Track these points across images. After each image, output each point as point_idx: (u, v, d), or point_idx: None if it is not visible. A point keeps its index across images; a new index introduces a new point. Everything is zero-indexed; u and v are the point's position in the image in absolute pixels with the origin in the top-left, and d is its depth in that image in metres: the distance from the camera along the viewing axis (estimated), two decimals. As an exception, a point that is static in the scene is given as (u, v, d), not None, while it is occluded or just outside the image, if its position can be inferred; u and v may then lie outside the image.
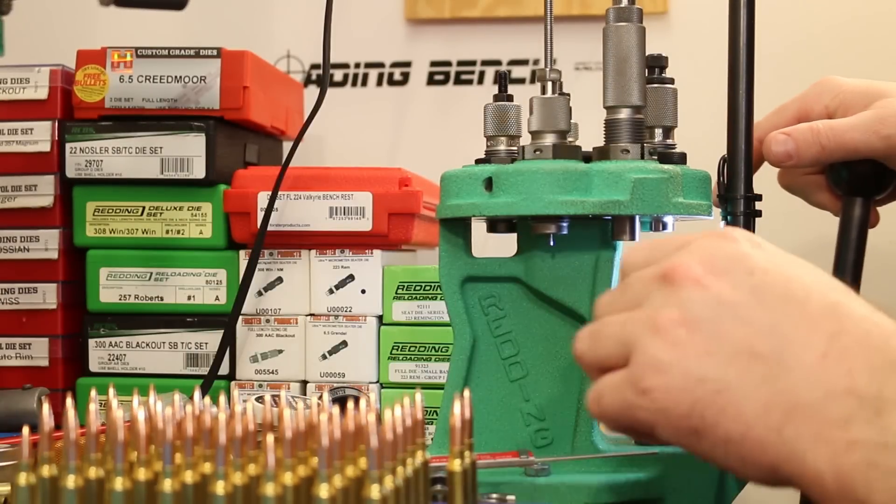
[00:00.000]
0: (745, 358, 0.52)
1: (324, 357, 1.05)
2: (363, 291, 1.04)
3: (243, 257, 1.06)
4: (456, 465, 0.58)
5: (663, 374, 0.54)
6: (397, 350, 1.03)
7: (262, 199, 1.05)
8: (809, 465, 0.50)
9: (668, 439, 0.55)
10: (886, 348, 0.50)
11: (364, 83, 1.45)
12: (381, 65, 1.45)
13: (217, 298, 1.07)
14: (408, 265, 1.07)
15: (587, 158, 0.76)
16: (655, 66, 0.81)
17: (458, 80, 1.44)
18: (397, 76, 1.45)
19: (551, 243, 0.76)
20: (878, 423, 0.48)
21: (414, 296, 1.03)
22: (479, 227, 0.82)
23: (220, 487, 0.50)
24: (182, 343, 1.07)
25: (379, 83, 1.45)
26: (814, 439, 0.50)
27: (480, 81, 1.43)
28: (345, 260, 1.05)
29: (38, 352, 1.07)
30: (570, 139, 0.78)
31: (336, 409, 0.54)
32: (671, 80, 0.81)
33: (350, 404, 0.56)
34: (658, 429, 0.55)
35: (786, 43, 1.38)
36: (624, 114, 0.74)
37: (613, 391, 0.56)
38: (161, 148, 1.06)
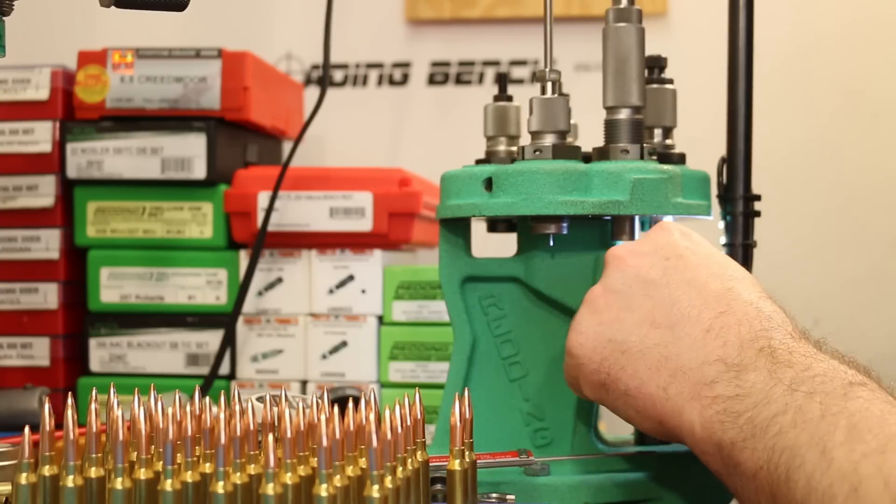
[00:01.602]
0: (646, 326, 0.65)
1: (324, 357, 1.05)
2: (363, 291, 1.04)
3: (244, 257, 1.06)
4: (456, 464, 0.59)
5: (581, 334, 0.68)
6: (397, 350, 1.03)
7: (263, 199, 1.05)
8: (685, 417, 0.62)
9: (586, 394, 0.69)
10: (756, 327, 0.61)
11: (364, 83, 1.45)
12: (381, 65, 1.45)
13: (217, 298, 1.07)
14: (408, 265, 1.08)
15: (587, 158, 0.76)
16: (655, 67, 0.81)
17: (458, 81, 1.44)
18: (397, 76, 1.45)
19: (551, 243, 0.76)
20: (735, 381, 0.60)
21: (414, 296, 1.03)
22: (479, 227, 0.83)
23: (220, 487, 0.50)
24: (183, 343, 1.07)
25: (379, 83, 1.45)
26: (689, 397, 0.62)
27: (480, 81, 1.43)
28: (345, 260, 1.05)
29: (39, 352, 1.07)
30: (569, 139, 0.78)
31: (336, 409, 0.54)
32: (670, 81, 0.81)
33: (350, 404, 0.56)
34: (580, 383, 0.69)
35: (785, 43, 1.38)
36: (623, 114, 0.74)
37: (567, 357, 0.69)
38: (162, 148, 1.06)
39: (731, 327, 0.62)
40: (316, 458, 0.52)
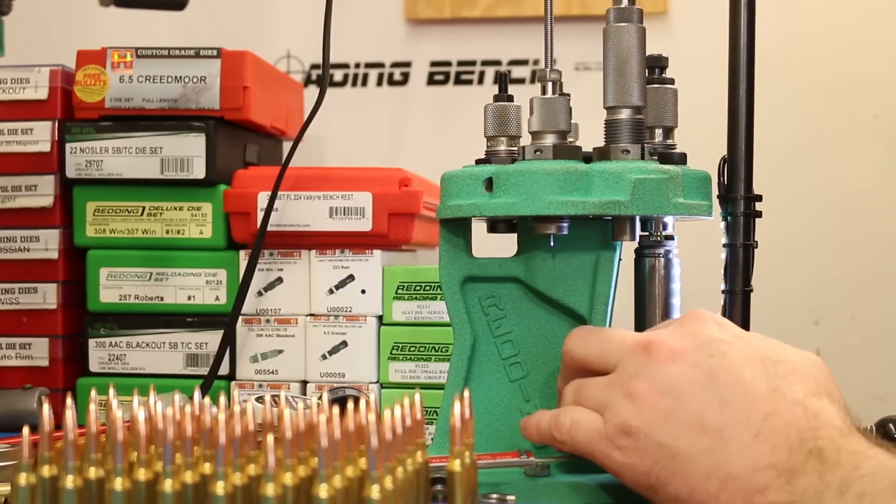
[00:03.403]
0: (695, 430, 0.63)
1: (324, 357, 1.05)
2: (363, 291, 1.04)
3: (243, 257, 1.06)
4: (456, 465, 0.59)
5: (631, 436, 0.65)
6: (397, 350, 1.03)
7: (262, 199, 1.05)
8: None
9: (629, 485, 0.67)
10: (803, 427, 0.61)
11: (364, 83, 1.45)
12: (381, 65, 1.45)
13: (217, 298, 1.07)
14: (408, 265, 1.07)
15: (587, 159, 0.76)
16: (655, 67, 0.81)
17: (458, 80, 1.44)
18: (397, 76, 1.45)
19: (551, 243, 0.76)
20: (786, 487, 0.60)
21: (414, 296, 1.03)
22: (479, 227, 0.82)
23: (220, 487, 0.50)
24: (182, 343, 1.07)
25: (379, 83, 1.45)
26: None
27: (480, 81, 1.43)
28: (345, 260, 1.05)
29: (38, 352, 1.07)
30: (570, 139, 0.78)
31: (336, 409, 0.54)
32: (671, 81, 0.81)
33: (350, 404, 0.56)
34: (621, 477, 0.67)
35: (786, 43, 1.38)
36: (624, 114, 0.74)
37: (588, 433, 0.68)
38: (161, 148, 1.06)
39: (779, 430, 0.61)
40: (316, 459, 0.52)
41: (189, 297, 1.07)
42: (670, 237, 0.78)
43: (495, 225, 0.81)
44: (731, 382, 0.64)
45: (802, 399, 0.63)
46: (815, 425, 0.61)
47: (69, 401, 0.52)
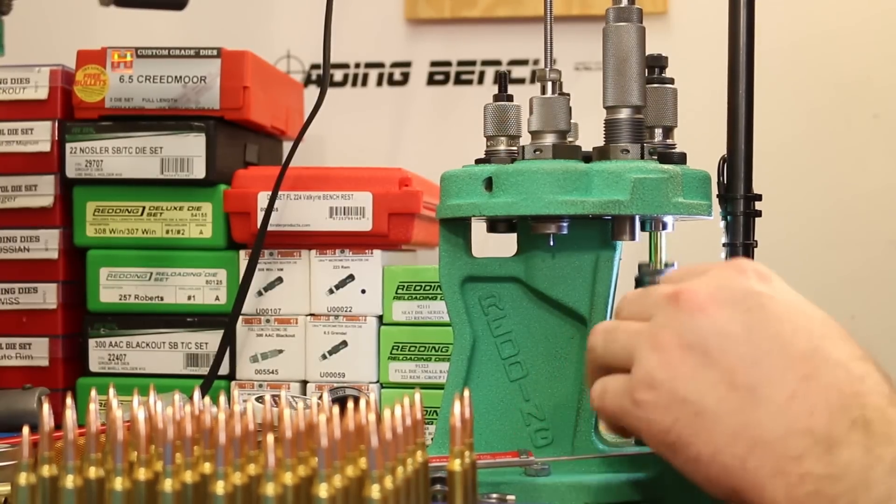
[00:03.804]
0: (724, 387, 0.58)
1: (324, 357, 1.05)
2: (363, 291, 1.04)
3: (243, 257, 1.06)
4: (456, 465, 0.58)
5: (654, 389, 0.60)
6: (397, 350, 1.03)
7: (262, 199, 1.05)
8: (767, 494, 0.55)
9: (650, 446, 0.61)
10: (847, 392, 0.55)
11: (364, 83, 1.45)
12: (381, 65, 1.45)
13: (217, 298, 1.07)
14: (408, 265, 1.07)
15: (587, 158, 0.76)
16: (655, 66, 0.81)
17: (458, 80, 1.44)
18: (397, 76, 1.45)
19: (551, 243, 0.76)
20: (826, 458, 0.54)
21: (414, 296, 1.03)
22: (479, 227, 0.82)
23: (220, 487, 0.50)
24: (182, 343, 1.07)
25: (379, 83, 1.45)
26: (772, 472, 0.55)
27: (480, 81, 1.43)
28: (345, 260, 1.05)
29: (38, 352, 1.07)
30: (570, 139, 0.78)
31: (336, 409, 0.54)
32: (671, 80, 0.81)
33: (350, 404, 0.56)
34: (643, 436, 0.61)
35: (786, 42, 1.38)
36: (624, 114, 0.74)
37: (614, 394, 0.62)
38: (161, 148, 1.06)
39: (818, 393, 0.56)
40: (316, 459, 0.52)
41: (189, 297, 1.07)
42: (670, 264, 0.78)
43: (495, 225, 0.81)
44: (768, 338, 0.58)
45: (847, 361, 0.57)
46: (859, 391, 0.55)
47: (69, 401, 0.52)
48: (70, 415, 0.51)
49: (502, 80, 0.83)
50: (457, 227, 0.79)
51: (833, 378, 0.56)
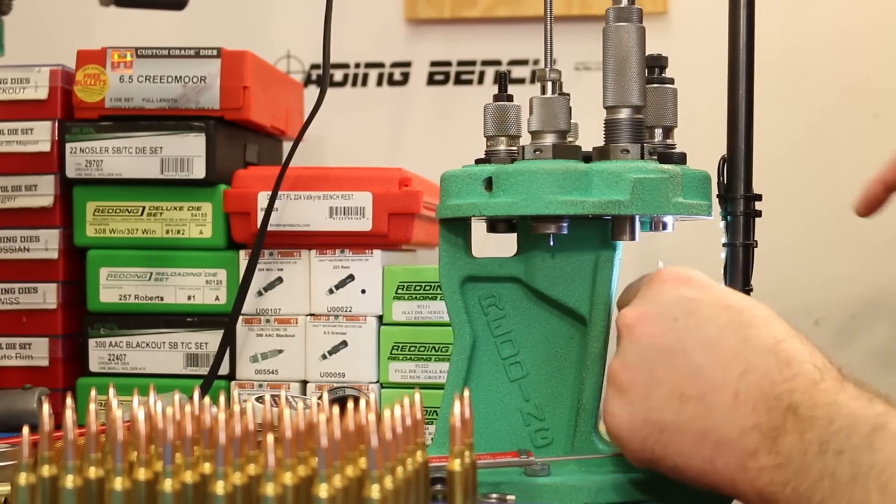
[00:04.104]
0: (676, 400, 0.63)
1: (324, 357, 1.05)
2: (363, 291, 1.04)
3: (243, 257, 1.06)
4: (456, 464, 0.59)
5: (615, 417, 0.66)
6: (397, 350, 1.03)
7: (262, 199, 1.05)
8: (739, 487, 0.61)
9: (639, 466, 0.67)
10: (778, 380, 0.61)
11: (364, 83, 1.45)
12: (381, 65, 1.45)
13: (217, 298, 1.07)
14: (408, 265, 1.07)
15: (587, 158, 0.76)
16: (655, 66, 0.81)
17: (458, 80, 1.44)
18: (397, 76, 1.45)
19: (551, 243, 0.76)
20: (774, 450, 0.59)
21: (414, 296, 1.03)
22: (479, 227, 0.82)
23: (219, 487, 0.50)
24: (182, 343, 1.07)
25: (379, 83, 1.45)
26: (737, 469, 0.61)
27: (480, 81, 1.43)
28: (345, 260, 1.05)
29: (38, 352, 1.07)
30: (570, 139, 0.78)
31: (336, 409, 0.54)
32: (671, 80, 0.81)
33: (350, 404, 0.56)
34: (627, 458, 0.68)
35: (786, 42, 1.38)
36: (624, 114, 0.74)
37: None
38: (161, 148, 1.06)
39: (755, 386, 0.61)
40: (316, 459, 0.52)
41: (189, 297, 1.07)
42: None
43: (495, 225, 0.81)
44: (700, 344, 0.63)
45: (773, 346, 0.62)
46: (788, 376, 0.61)
47: (69, 401, 0.52)
48: (70, 415, 0.51)
49: (502, 80, 0.83)
50: (457, 227, 0.79)
51: (764, 368, 0.61)
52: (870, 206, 0.91)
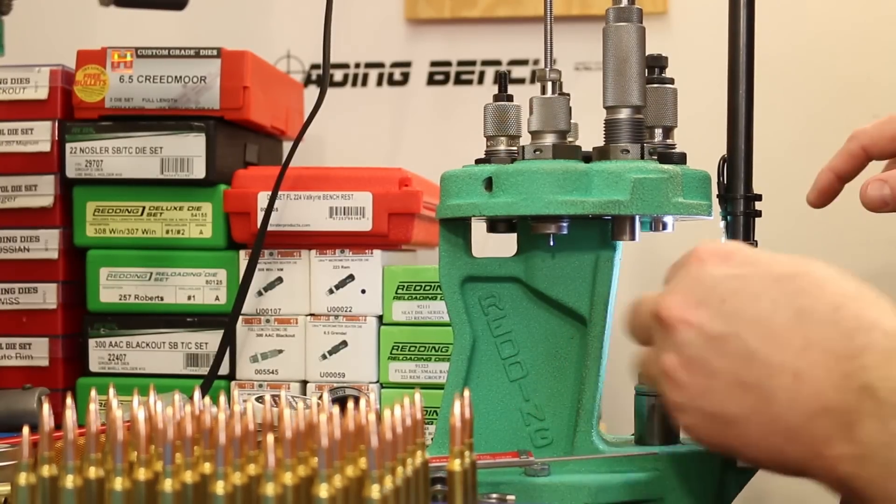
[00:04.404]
0: (737, 390, 0.59)
1: (324, 357, 1.05)
2: (363, 291, 1.04)
3: (243, 257, 1.06)
4: (456, 464, 0.59)
5: (685, 414, 0.62)
6: (397, 350, 1.03)
7: (262, 199, 1.05)
8: (814, 475, 0.57)
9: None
10: (843, 355, 0.55)
11: (364, 83, 1.45)
12: (381, 65, 1.45)
13: (217, 298, 1.07)
14: (408, 265, 1.07)
15: (587, 158, 0.76)
16: (655, 66, 0.81)
17: (458, 80, 1.44)
18: (397, 76, 1.45)
19: (551, 243, 0.76)
20: (851, 438, 0.54)
21: (414, 296, 1.03)
22: (479, 227, 0.82)
23: (220, 487, 0.50)
24: (182, 343, 1.07)
25: (379, 83, 1.45)
26: (811, 457, 0.56)
27: (480, 81, 1.43)
28: (345, 260, 1.05)
29: (38, 352, 1.07)
30: (570, 139, 0.78)
31: (336, 409, 0.54)
32: (671, 80, 0.81)
33: (350, 404, 0.56)
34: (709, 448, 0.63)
35: (786, 42, 1.38)
36: (624, 114, 0.74)
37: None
38: (161, 148, 1.06)
39: (818, 364, 0.56)
40: (316, 459, 0.52)
41: (189, 297, 1.07)
42: None
43: (495, 225, 0.81)
44: (751, 323, 0.58)
45: (832, 314, 0.57)
46: (854, 350, 0.55)
47: (69, 401, 0.52)
48: (70, 415, 0.51)
49: (502, 80, 0.83)
50: (457, 227, 0.79)
51: (825, 342, 0.56)
52: (822, 197, 0.89)
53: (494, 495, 0.69)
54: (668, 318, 0.61)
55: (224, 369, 1.05)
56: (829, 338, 0.56)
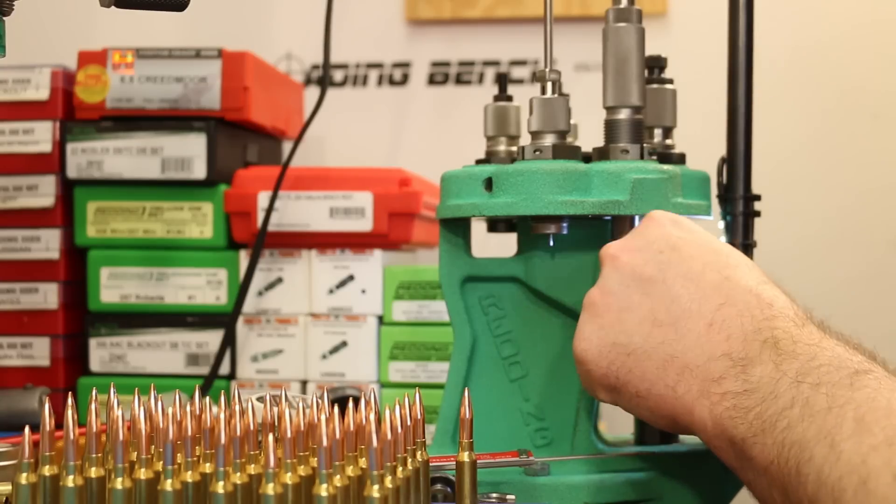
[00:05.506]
0: (648, 325, 0.64)
1: (324, 357, 1.05)
2: (363, 291, 1.04)
3: (244, 257, 1.06)
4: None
5: (585, 340, 0.67)
6: (397, 350, 1.03)
7: (263, 199, 1.05)
8: (696, 415, 0.62)
9: (601, 397, 0.68)
10: (758, 316, 0.61)
11: (364, 83, 1.45)
12: (381, 65, 1.45)
13: (218, 298, 1.07)
14: (408, 265, 1.08)
15: (587, 158, 0.76)
16: (655, 67, 0.81)
17: (458, 81, 1.44)
18: (397, 76, 1.45)
19: (551, 243, 0.76)
20: (742, 377, 0.59)
21: (414, 296, 1.03)
22: (479, 227, 0.83)
23: (220, 487, 0.50)
24: (183, 343, 1.07)
25: (379, 83, 1.45)
26: (698, 394, 0.61)
27: (480, 81, 1.44)
28: (345, 260, 1.05)
29: (39, 351, 1.07)
30: (569, 139, 0.78)
31: (336, 409, 0.54)
32: (670, 81, 0.81)
33: (350, 404, 0.56)
34: (592, 389, 0.68)
35: (785, 43, 1.38)
36: (623, 114, 0.74)
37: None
38: (162, 148, 1.06)
39: (732, 319, 0.61)
40: (316, 458, 0.52)
41: (190, 297, 1.07)
42: None
43: (495, 225, 0.81)
44: (681, 275, 0.64)
45: (755, 287, 0.63)
46: (769, 315, 0.61)
47: (70, 400, 0.52)
48: (71, 414, 0.51)
49: (502, 80, 0.83)
50: (457, 227, 0.79)
51: (745, 304, 0.62)
52: None
53: (494, 495, 0.69)
54: (604, 255, 0.68)
55: (224, 369, 1.05)
56: (749, 302, 0.62)
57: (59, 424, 0.53)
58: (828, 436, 0.53)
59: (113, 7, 1.07)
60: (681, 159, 0.78)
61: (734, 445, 0.59)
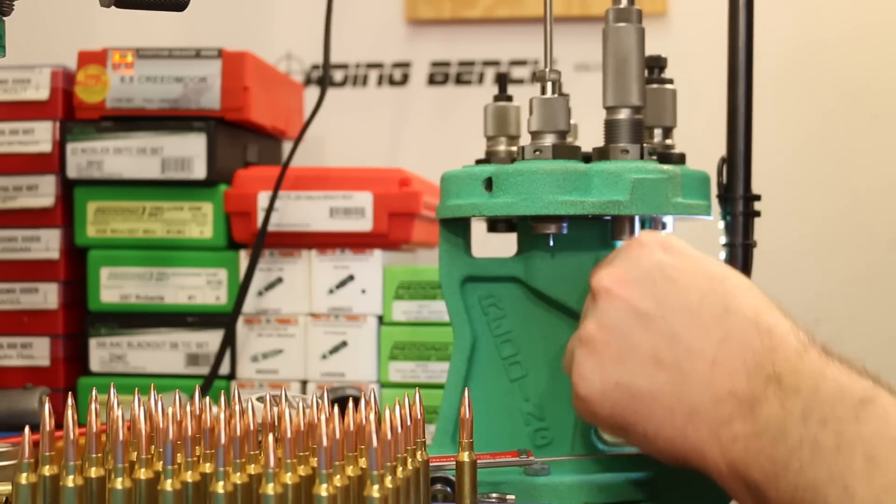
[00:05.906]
0: (651, 365, 0.62)
1: (324, 357, 1.05)
2: (363, 291, 1.04)
3: (244, 257, 1.06)
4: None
5: (586, 379, 0.64)
6: (397, 350, 1.03)
7: (263, 199, 1.05)
8: (708, 457, 0.60)
9: (606, 433, 0.67)
10: (759, 349, 0.60)
11: (364, 83, 1.46)
12: (381, 65, 1.46)
13: (218, 298, 1.07)
14: (408, 265, 1.08)
15: (587, 158, 0.76)
16: (655, 67, 0.81)
17: (458, 81, 1.44)
18: (397, 76, 1.45)
19: (551, 243, 0.76)
20: (751, 417, 0.58)
21: (414, 296, 1.03)
22: (479, 227, 0.83)
23: (220, 487, 0.50)
24: (183, 343, 1.07)
25: (379, 83, 1.45)
26: (709, 437, 0.60)
27: (480, 81, 1.44)
28: (345, 260, 1.05)
29: (39, 351, 1.07)
30: (569, 139, 0.78)
31: (336, 409, 0.54)
32: (670, 81, 0.81)
33: (350, 404, 0.56)
34: (598, 426, 0.67)
35: (785, 43, 1.38)
36: (623, 114, 0.74)
37: (573, 398, 0.67)
38: (162, 148, 1.06)
39: (735, 355, 0.60)
40: (316, 458, 0.52)
41: (190, 297, 1.07)
42: None
43: (495, 224, 0.81)
44: (679, 310, 0.62)
45: (754, 317, 0.61)
46: (770, 346, 0.59)
47: (70, 400, 0.52)
48: (71, 414, 0.51)
49: (502, 80, 0.83)
50: (457, 227, 0.79)
51: (745, 337, 0.60)
52: None
53: (494, 495, 0.69)
54: (597, 288, 0.65)
55: (224, 369, 1.05)
56: (749, 335, 0.60)
57: (59, 424, 0.53)
58: (840, 478, 0.53)
59: (113, 7, 1.07)
60: (681, 159, 0.78)
61: (750, 489, 0.58)
